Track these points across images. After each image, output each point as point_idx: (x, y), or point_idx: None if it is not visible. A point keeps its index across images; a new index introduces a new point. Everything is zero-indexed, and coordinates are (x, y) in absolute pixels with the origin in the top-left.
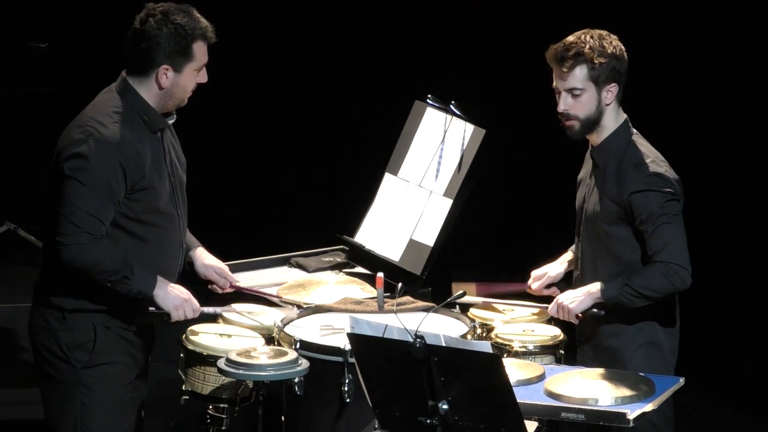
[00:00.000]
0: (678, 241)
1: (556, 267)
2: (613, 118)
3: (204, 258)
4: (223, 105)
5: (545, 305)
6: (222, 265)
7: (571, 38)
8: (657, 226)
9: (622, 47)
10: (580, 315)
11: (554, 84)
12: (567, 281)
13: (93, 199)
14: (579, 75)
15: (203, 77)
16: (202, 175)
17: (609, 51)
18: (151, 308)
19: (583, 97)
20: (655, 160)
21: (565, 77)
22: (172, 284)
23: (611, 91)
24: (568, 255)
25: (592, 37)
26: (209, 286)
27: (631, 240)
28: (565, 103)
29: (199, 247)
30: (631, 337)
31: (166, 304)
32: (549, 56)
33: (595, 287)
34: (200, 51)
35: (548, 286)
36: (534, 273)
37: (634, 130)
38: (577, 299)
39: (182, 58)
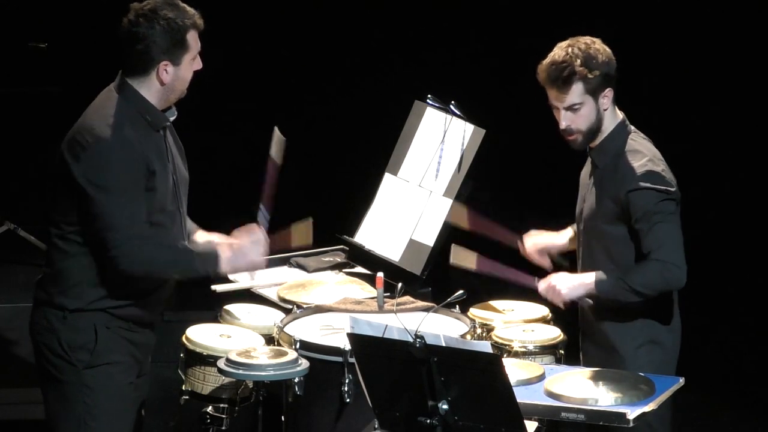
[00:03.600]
0: (673, 240)
1: (560, 238)
2: (610, 120)
3: (204, 239)
4: (222, 104)
5: (535, 278)
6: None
7: (559, 55)
8: (652, 224)
9: (609, 50)
10: (567, 302)
11: (550, 102)
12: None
13: (123, 202)
14: (576, 91)
15: (198, 64)
16: (201, 175)
17: (600, 60)
18: (220, 287)
19: (583, 110)
20: (652, 159)
21: (562, 97)
22: (225, 249)
23: (607, 96)
24: (569, 232)
25: (580, 49)
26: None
27: (630, 240)
28: (566, 119)
29: (199, 230)
30: (632, 336)
31: (239, 271)
32: (541, 78)
33: (590, 278)
34: (194, 39)
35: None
36: (536, 238)
37: (633, 128)
38: (570, 286)
39: (180, 51)
